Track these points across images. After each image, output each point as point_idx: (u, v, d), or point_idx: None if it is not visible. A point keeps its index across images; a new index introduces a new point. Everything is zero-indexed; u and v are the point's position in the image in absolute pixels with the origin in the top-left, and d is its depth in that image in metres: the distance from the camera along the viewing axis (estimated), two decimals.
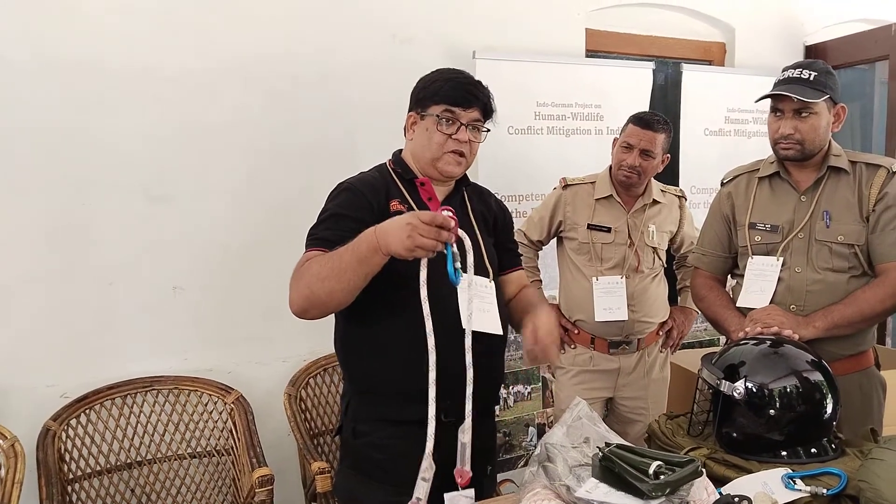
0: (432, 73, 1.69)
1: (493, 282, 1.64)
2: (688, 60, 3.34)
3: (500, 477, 2.73)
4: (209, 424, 2.43)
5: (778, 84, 1.93)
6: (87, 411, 2.28)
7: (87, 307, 2.33)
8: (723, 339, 2.40)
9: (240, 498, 2.29)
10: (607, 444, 1.32)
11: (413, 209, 1.59)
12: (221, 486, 2.44)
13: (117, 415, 2.33)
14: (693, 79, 3.19)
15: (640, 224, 2.46)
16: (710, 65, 3.48)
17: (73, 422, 2.25)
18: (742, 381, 1.55)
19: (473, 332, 1.42)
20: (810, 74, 1.89)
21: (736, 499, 1.27)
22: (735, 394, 1.54)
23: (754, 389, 1.53)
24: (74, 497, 2.21)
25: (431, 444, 1.33)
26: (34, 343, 2.27)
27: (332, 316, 1.63)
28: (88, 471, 2.26)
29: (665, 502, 1.20)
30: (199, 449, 2.42)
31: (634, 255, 2.44)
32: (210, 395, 2.43)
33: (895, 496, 1.26)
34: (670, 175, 2.97)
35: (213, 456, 2.43)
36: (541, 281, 2.61)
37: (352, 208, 1.58)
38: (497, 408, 2.26)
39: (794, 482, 1.38)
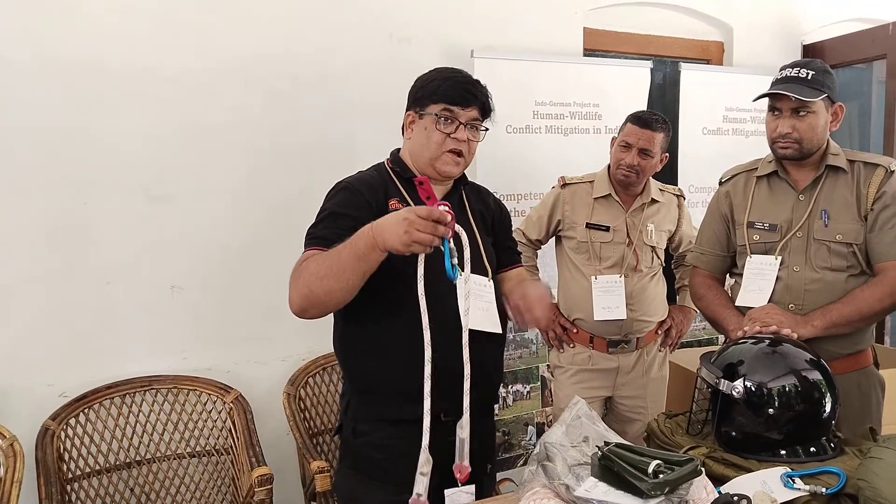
0: (430, 72, 1.69)
1: (491, 281, 1.64)
2: (686, 59, 3.34)
3: (499, 476, 2.74)
4: (208, 424, 2.44)
5: (776, 83, 1.93)
6: (87, 411, 2.28)
7: (86, 307, 2.33)
8: (721, 338, 2.41)
9: (239, 497, 2.30)
10: (606, 443, 1.32)
11: None
12: (221, 485, 2.44)
13: (116, 414, 2.33)
14: (691, 78, 3.19)
15: (638, 223, 2.46)
16: (708, 64, 3.48)
17: (73, 421, 2.25)
18: (741, 380, 1.55)
19: (472, 331, 1.41)
20: (808, 73, 1.89)
21: (735, 498, 1.27)
22: (734, 393, 1.54)
23: (753, 388, 1.54)
24: (73, 496, 2.21)
25: (427, 437, 1.33)
26: (34, 343, 2.27)
27: (331, 315, 1.64)
28: (87, 470, 2.26)
29: (664, 501, 1.20)
30: (198, 448, 2.42)
31: (633, 254, 2.45)
32: (209, 394, 2.43)
33: (894, 495, 1.26)
34: (669, 174, 2.98)
35: (213, 455, 2.43)
36: (540, 280, 2.61)
37: (350, 207, 1.57)
38: (496, 407, 2.27)
39: (793, 481, 1.38)
